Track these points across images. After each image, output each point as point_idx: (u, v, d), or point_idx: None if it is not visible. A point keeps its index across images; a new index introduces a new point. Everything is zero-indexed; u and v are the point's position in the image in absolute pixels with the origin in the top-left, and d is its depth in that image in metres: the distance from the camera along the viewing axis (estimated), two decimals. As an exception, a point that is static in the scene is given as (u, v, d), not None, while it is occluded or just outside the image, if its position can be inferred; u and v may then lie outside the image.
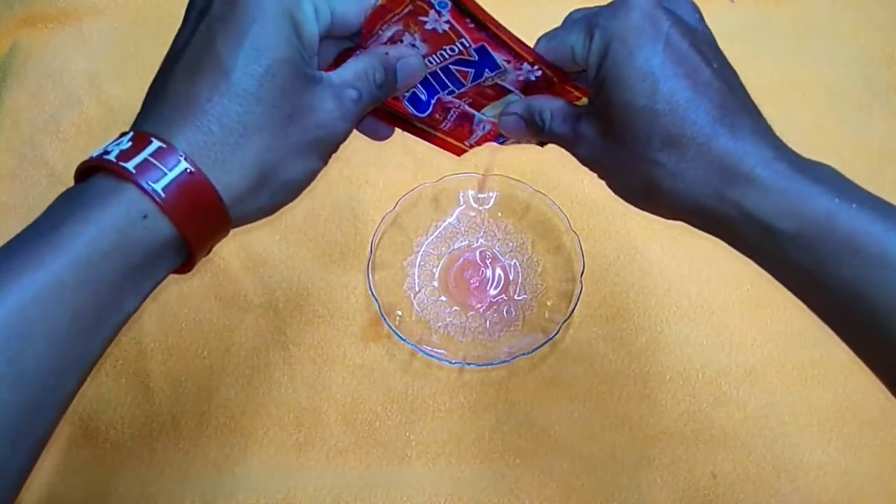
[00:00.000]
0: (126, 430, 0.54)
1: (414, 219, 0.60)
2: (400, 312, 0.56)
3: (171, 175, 0.28)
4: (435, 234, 0.60)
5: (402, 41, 0.35)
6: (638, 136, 0.32)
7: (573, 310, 0.54)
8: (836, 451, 0.52)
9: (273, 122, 0.30)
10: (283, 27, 0.30)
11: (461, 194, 0.61)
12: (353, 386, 0.55)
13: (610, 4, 0.33)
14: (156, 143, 0.28)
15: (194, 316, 0.58)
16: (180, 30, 0.33)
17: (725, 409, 0.54)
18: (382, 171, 0.63)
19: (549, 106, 0.37)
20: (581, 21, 0.35)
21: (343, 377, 0.56)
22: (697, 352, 0.56)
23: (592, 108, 0.35)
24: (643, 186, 0.33)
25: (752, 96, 0.73)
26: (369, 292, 0.55)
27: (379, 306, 0.54)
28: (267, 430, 0.54)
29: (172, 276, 0.51)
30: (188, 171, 0.28)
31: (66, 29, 0.71)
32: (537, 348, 0.52)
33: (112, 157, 0.28)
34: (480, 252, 0.59)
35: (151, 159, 0.28)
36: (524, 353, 0.52)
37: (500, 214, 0.61)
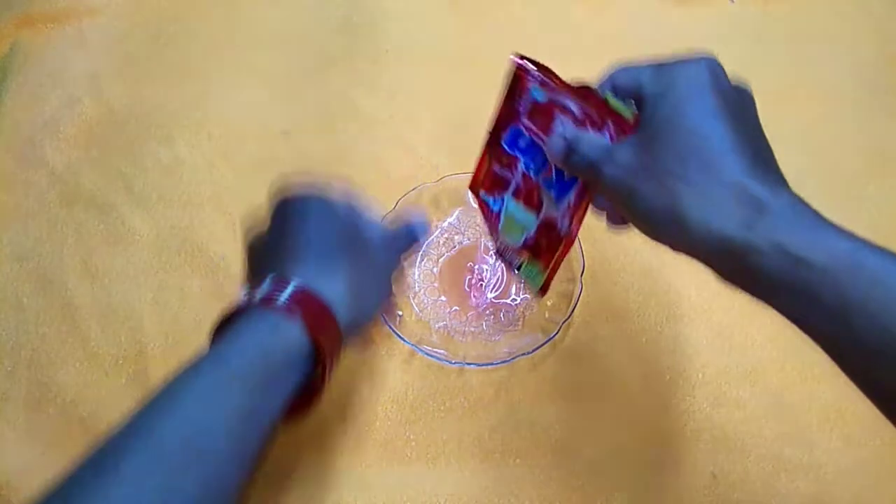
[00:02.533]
0: (126, 430, 0.54)
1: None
2: (400, 312, 0.56)
3: (288, 291, 0.38)
4: (435, 234, 0.60)
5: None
6: (679, 152, 0.34)
7: (573, 310, 0.54)
8: (836, 451, 0.52)
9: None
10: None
11: (461, 194, 0.61)
12: (353, 386, 0.55)
13: (683, 57, 0.37)
14: (272, 276, 0.39)
15: (194, 316, 0.58)
16: (275, 221, 0.44)
17: (725, 409, 0.54)
18: (382, 171, 0.63)
19: (587, 137, 0.40)
20: (653, 63, 0.38)
21: (343, 377, 0.55)
22: (697, 352, 0.56)
23: (636, 135, 0.37)
24: (670, 209, 0.34)
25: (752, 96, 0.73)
26: (369, 292, 0.55)
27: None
28: (267, 430, 0.54)
29: (172, 276, 0.51)
30: (299, 287, 0.38)
31: (66, 29, 0.71)
32: (537, 348, 0.52)
33: (250, 297, 0.38)
34: (480, 252, 0.59)
35: (275, 290, 0.38)
36: (524, 353, 0.52)
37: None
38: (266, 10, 0.72)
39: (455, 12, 0.72)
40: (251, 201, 0.63)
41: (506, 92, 0.44)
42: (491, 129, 0.46)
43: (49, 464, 0.53)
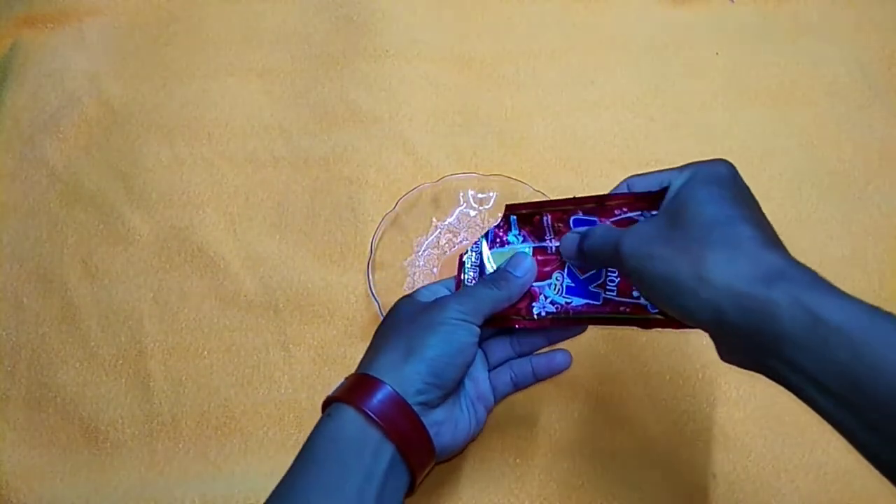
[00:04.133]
0: (126, 430, 0.54)
1: (414, 219, 0.60)
2: (400, 312, 0.56)
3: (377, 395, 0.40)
4: (435, 234, 0.60)
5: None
6: (702, 225, 0.36)
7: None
8: (836, 451, 0.52)
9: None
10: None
11: (461, 194, 0.61)
12: (353, 386, 0.55)
13: (701, 161, 0.40)
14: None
15: (194, 316, 0.58)
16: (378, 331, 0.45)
17: (725, 409, 0.54)
18: (382, 171, 0.63)
19: (601, 227, 0.43)
20: (675, 168, 0.41)
21: (343, 377, 0.55)
22: (697, 352, 0.56)
23: (654, 217, 0.40)
24: (691, 270, 0.35)
25: (753, 96, 0.73)
26: (369, 292, 0.55)
27: (379, 306, 0.54)
28: (267, 430, 0.54)
29: (172, 276, 0.51)
30: (362, 374, 0.41)
31: (66, 29, 0.71)
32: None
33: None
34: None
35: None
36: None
37: (500, 214, 0.61)
38: (266, 10, 0.72)
39: (455, 12, 0.72)
40: (251, 201, 0.63)
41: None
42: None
43: (49, 464, 0.53)
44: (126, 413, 0.54)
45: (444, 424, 0.41)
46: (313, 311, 0.58)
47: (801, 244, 0.61)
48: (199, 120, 0.66)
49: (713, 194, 0.37)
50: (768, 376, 0.35)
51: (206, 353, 0.56)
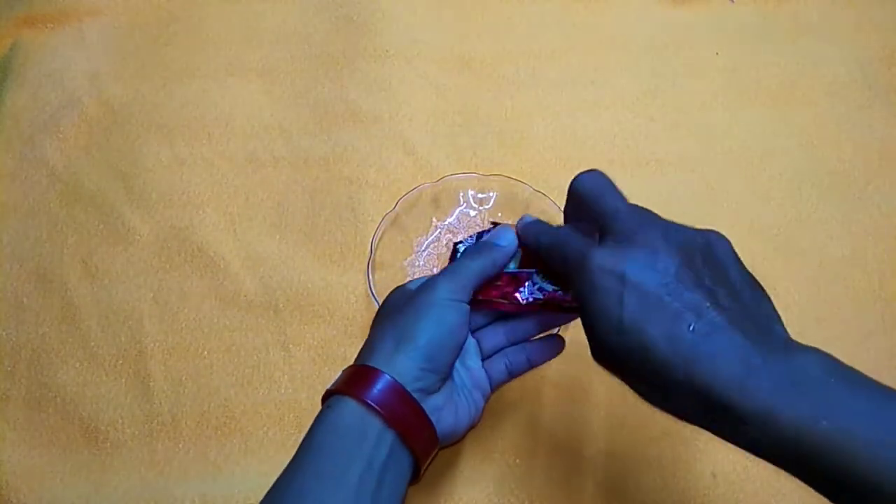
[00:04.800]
0: (126, 430, 0.54)
1: (414, 219, 0.60)
2: (400, 312, 0.56)
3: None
4: (435, 234, 0.60)
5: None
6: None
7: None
8: (836, 451, 0.52)
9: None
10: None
11: (461, 194, 0.61)
12: (353, 386, 0.55)
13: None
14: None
15: (194, 316, 0.58)
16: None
17: (725, 409, 0.54)
18: (382, 171, 0.63)
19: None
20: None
21: (343, 377, 0.56)
22: (697, 352, 0.56)
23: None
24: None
25: (753, 96, 0.73)
26: (369, 292, 0.55)
27: (379, 306, 0.54)
28: (267, 430, 0.54)
29: (172, 276, 0.51)
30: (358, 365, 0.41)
31: (66, 29, 0.71)
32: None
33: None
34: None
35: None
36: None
37: (500, 214, 0.61)
38: (266, 10, 0.72)
39: (455, 12, 0.72)
40: (251, 201, 0.63)
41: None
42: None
43: (49, 464, 0.53)
44: (126, 413, 0.54)
45: (444, 409, 0.42)
46: (313, 311, 0.58)
47: (801, 244, 0.61)
48: (199, 120, 0.66)
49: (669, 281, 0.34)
50: None
51: (206, 353, 0.57)
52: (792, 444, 0.30)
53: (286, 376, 0.56)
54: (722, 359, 0.32)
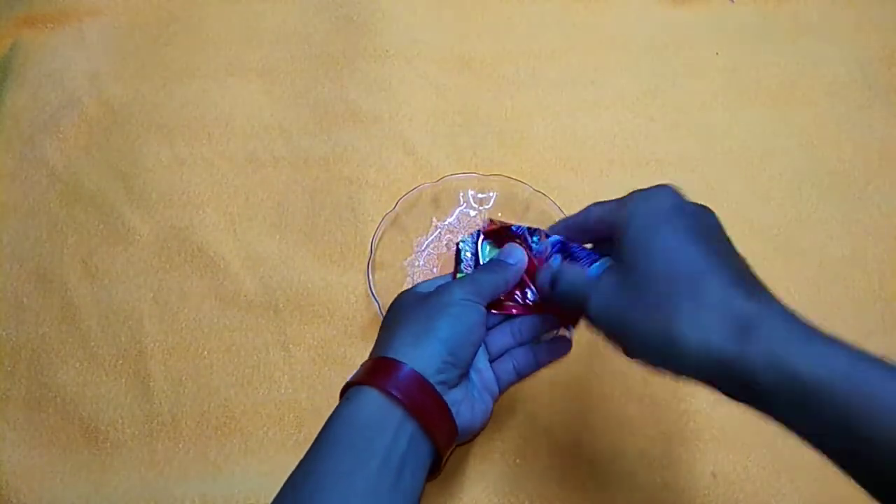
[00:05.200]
0: (126, 430, 0.54)
1: (414, 219, 0.60)
2: (400, 312, 0.56)
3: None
4: (435, 234, 0.60)
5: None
6: (660, 278, 0.36)
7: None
8: (836, 451, 0.52)
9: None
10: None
11: (461, 194, 0.61)
12: (353, 386, 0.55)
13: (642, 190, 0.39)
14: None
15: (194, 316, 0.58)
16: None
17: (725, 409, 0.54)
18: (382, 171, 0.63)
19: (571, 269, 0.43)
20: (614, 201, 0.41)
21: (343, 377, 0.55)
22: (697, 352, 0.56)
23: (616, 268, 0.39)
24: (662, 333, 0.35)
25: (753, 96, 0.73)
26: (369, 292, 0.55)
27: (379, 306, 0.54)
28: (267, 430, 0.54)
29: (172, 276, 0.51)
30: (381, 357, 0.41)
31: (66, 29, 0.71)
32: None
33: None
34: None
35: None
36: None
37: (500, 214, 0.61)
38: (266, 10, 0.72)
39: (455, 12, 0.72)
40: (251, 201, 0.63)
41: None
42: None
43: (49, 464, 0.53)
44: (126, 413, 0.54)
45: (462, 403, 0.42)
46: (313, 311, 0.58)
47: (801, 244, 0.61)
48: (199, 120, 0.66)
49: (667, 240, 0.36)
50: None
51: (206, 353, 0.57)
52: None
53: (286, 376, 0.56)
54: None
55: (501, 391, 0.46)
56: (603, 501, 0.51)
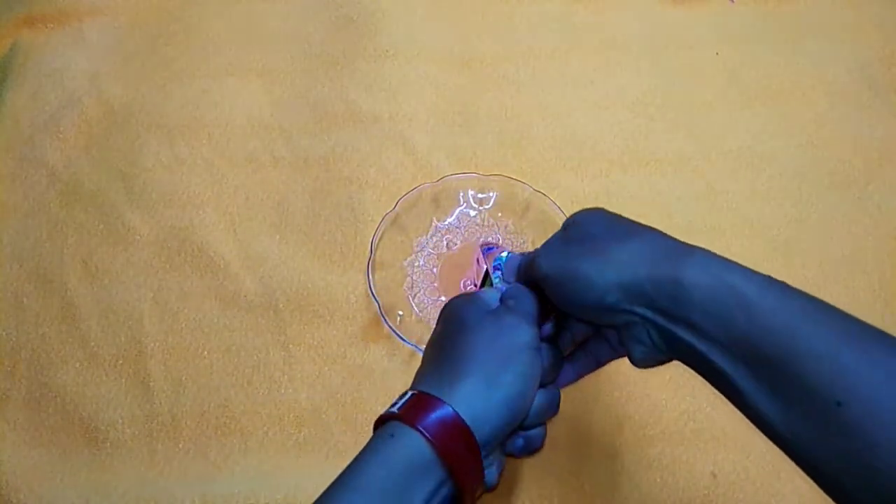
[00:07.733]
0: (126, 430, 0.54)
1: (414, 219, 0.60)
2: (400, 312, 0.56)
3: (402, 401, 0.39)
4: (435, 234, 0.60)
5: None
6: (597, 236, 0.40)
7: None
8: (836, 451, 0.52)
9: None
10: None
11: (461, 194, 0.61)
12: (353, 386, 0.55)
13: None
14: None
15: (194, 316, 0.58)
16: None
17: (725, 409, 0.54)
18: (382, 171, 0.63)
19: (513, 257, 0.47)
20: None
21: (343, 377, 0.56)
22: (697, 352, 0.56)
23: (557, 235, 0.43)
24: (601, 259, 0.38)
25: (753, 96, 0.73)
26: (369, 292, 0.55)
27: (379, 306, 0.54)
28: (267, 430, 0.54)
29: (172, 276, 0.51)
30: (413, 394, 0.39)
31: (66, 29, 0.71)
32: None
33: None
34: (480, 252, 0.59)
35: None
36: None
37: (500, 214, 0.61)
38: (266, 10, 0.72)
39: (455, 12, 0.72)
40: (251, 201, 0.63)
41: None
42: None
43: (49, 464, 0.53)
44: (126, 413, 0.54)
45: (493, 465, 0.40)
46: (313, 311, 0.58)
47: (801, 244, 0.61)
48: (199, 120, 0.66)
49: (601, 216, 0.42)
50: (679, 358, 0.37)
51: (206, 353, 0.57)
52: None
53: (286, 376, 0.56)
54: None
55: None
56: (603, 501, 0.51)
